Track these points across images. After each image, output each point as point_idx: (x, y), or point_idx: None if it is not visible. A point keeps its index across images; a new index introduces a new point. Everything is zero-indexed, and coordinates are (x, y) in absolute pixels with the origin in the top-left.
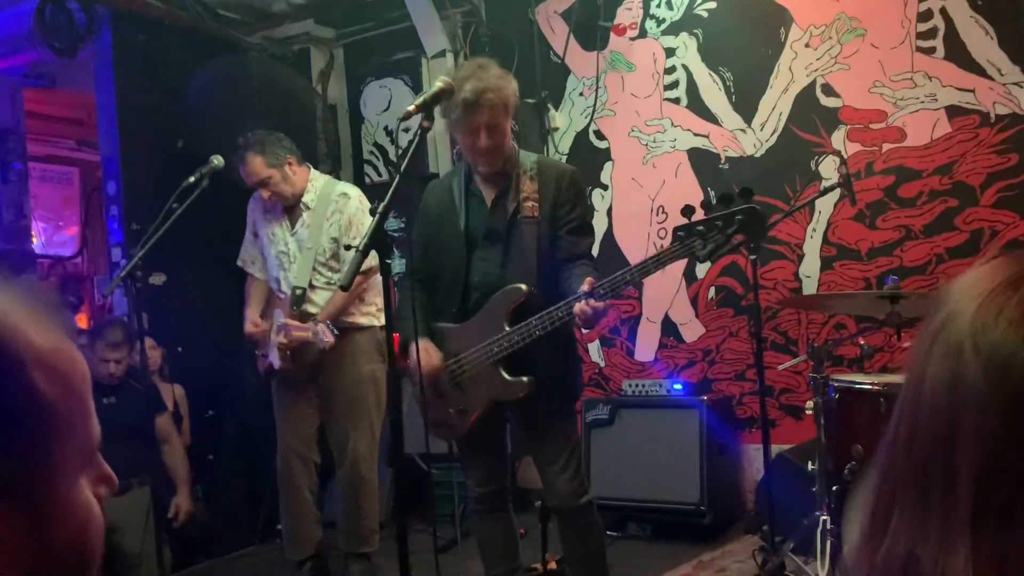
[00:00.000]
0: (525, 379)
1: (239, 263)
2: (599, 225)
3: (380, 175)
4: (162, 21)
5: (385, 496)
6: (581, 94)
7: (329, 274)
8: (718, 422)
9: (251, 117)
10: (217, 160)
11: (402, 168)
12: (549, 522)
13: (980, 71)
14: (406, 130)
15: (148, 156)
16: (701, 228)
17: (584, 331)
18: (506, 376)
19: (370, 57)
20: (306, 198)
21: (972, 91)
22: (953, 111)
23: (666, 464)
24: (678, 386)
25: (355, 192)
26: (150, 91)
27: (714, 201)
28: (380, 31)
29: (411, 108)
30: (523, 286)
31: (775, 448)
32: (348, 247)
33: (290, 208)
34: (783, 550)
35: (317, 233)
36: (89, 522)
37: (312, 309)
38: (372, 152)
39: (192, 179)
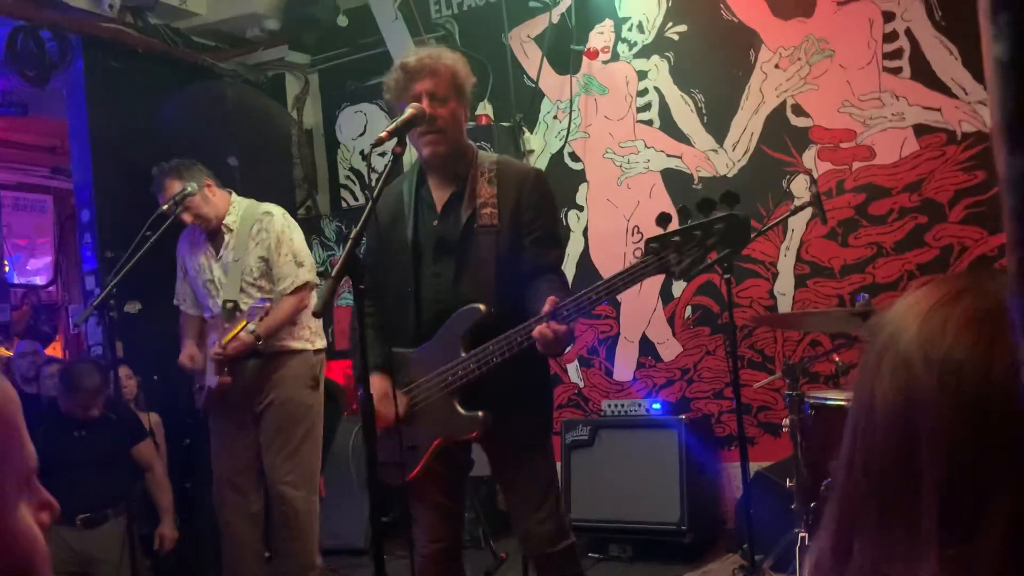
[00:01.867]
0: (480, 415)
1: (175, 302)
2: (575, 246)
3: (357, 199)
4: (134, 48)
5: (363, 521)
6: (555, 117)
7: (258, 295)
8: (697, 441)
9: (225, 142)
10: (191, 187)
11: (376, 193)
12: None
13: (946, 90)
14: (382, 154)
15: (122, 183)
16: (677, 239)
17: (549, 357)
18: (460, 410)
19: (345, 82)
20: (228, 220)
21: (939, 110)
22: (921, 129)
23: (646, 484)
24: (657, 406)
25: (279, 210)
26: (123, 118)
27: (693, 208)
28: (354, 56)
29: (383, 135)
30: (480, 306)
31: (754, 466)
32: (322, 276)
33: (213, 235)
34: (763, 567)
35: (243, 253)
36: (33, 549)
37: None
38: (348, 176)
39: (165, 207)
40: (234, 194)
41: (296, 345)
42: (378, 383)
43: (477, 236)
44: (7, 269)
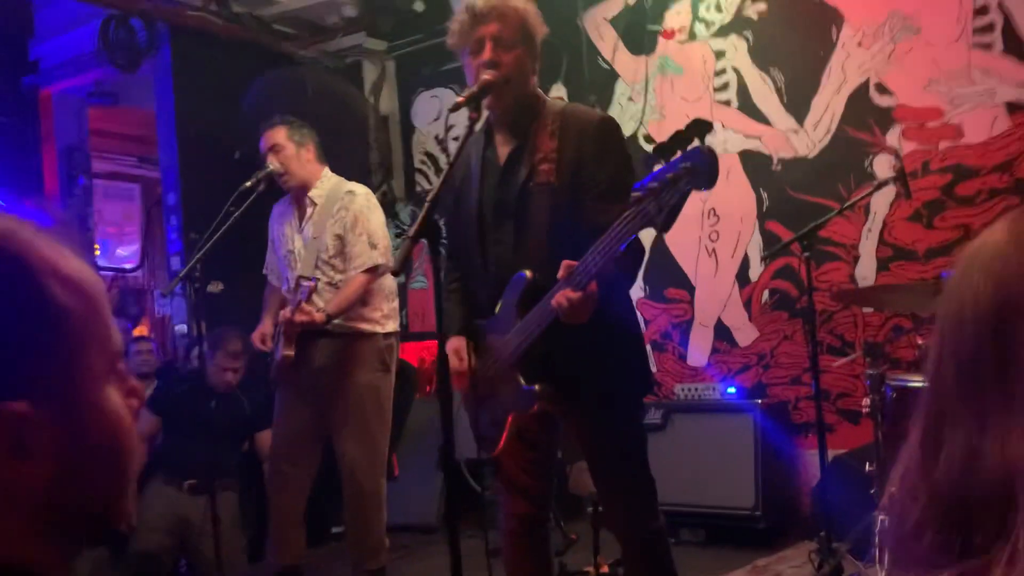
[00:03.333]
0: (536, 388)
1: (264, 271)
2: (648, 231)
3: (431, 184)
4: (219, 36)
5: (436, 501)
6: (630, 99)
7: (332, 273)
8: (773, 427)
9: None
10: (274, 165)
11: (454, 157)
12: (602, 528)
13: None
14: (456, 138)
15: (207, 167)
16: (654, 185)
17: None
18: (521, 383)
19: (421, 68)
20: (313, 192)
21: None
22: (1012, 107)
23: (720, 469)
24: (732, 390)
25: (362, 190)
26: (208, 104)
27: (667, 146)
28: (430, 42)
29: (459, 100)
30: (527, 273)
31: (832, 453)
32: (399, 235)
33: (300, 207)
34: (840, 552)
35: (321, 229)
36: (119, 426)
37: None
38: (423, 161)
39: (249, 183)
40: (327, 169)
41: (367, 327)
42: (452, 344)
43: (532, 195)
44: (97, 254)
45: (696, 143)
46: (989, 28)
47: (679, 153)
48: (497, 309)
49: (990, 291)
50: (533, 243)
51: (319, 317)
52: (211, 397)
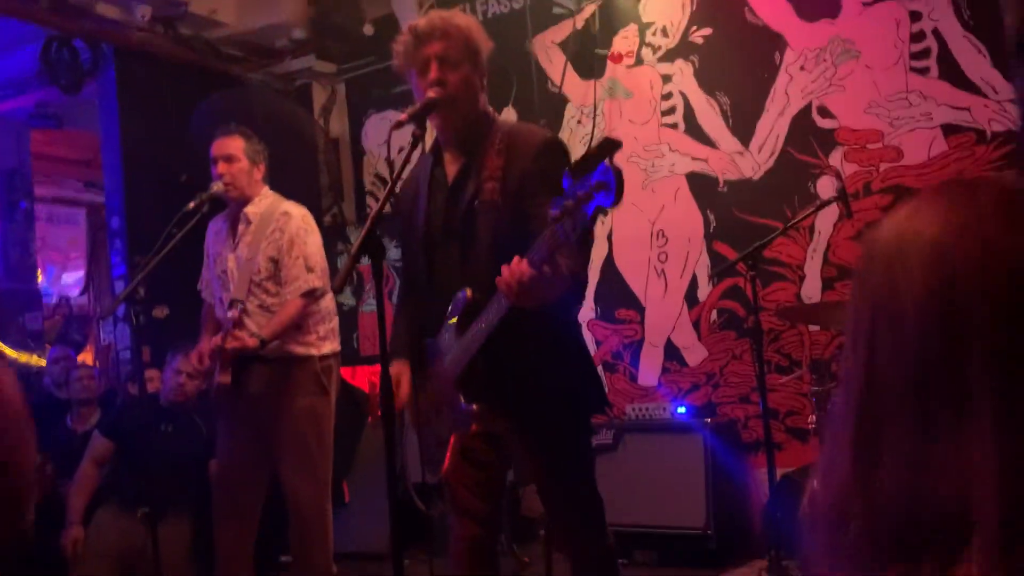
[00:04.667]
0: (474, 408)
1: (198, 287)
2: (599, 250)
3: None
4: (166, 58)
5: (387, 526)
6: (579, 122)
7: (264, 296)
8: (723, 446)
9: None
10: (217, 186)
11: (398, 171)
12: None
13: (975, 89)
14: (401, 149)
15: (152, 191)
16: (569, 204)
17: (524, 305)
18: (460, 402)
19: (371, 90)
20: (250, 209)
21: (968, 109)
22: (949, 129)
23: (671, 489)
24: (682, 409)
25: (299, 211)
26: (154, 127)
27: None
28: (380, 65)
29: (402, 118)
30: (467, 290)
31: (782, 471)
32: (347, 253)
33: (235, 223)
34: (790, 570)
35: (255, 251)
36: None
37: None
38: (374, 183)
39: (192, 204)
40: (267, 188)
41: (301, 351)
42: (394, 369)
43: (478, 214)
44: (40, 280)
45: (605, 162)
46: (925, 53)
47: (589, 172)
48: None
49: (936, 287)
50: (477, 262)
51: (251, 343)
52: (165, 420)
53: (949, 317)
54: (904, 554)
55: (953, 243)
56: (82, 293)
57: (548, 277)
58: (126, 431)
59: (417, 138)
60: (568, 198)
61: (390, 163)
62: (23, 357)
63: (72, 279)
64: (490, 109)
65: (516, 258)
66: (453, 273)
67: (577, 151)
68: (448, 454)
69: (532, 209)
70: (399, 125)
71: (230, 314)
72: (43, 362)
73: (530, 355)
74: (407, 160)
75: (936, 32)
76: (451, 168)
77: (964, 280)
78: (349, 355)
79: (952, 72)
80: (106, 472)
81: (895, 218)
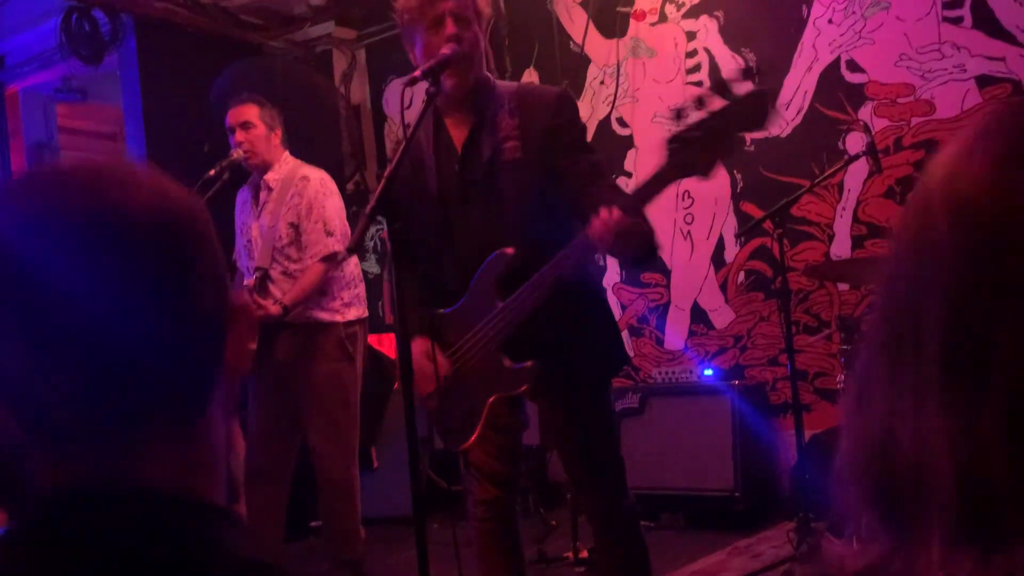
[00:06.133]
0: (528, 364)
1: (233, 257)
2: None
3: None
4: (185, 27)
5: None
6: (602, 82)
7: (286, 263)
8: (751, 408)
9: None
10: (237, 153)
11: (412, 130)
12: (580, 515)
13: (1010, 39)
14: (408, 107)
15: (176, 160)
16: (697, 134)
17: (610, 257)
18: (507, 363)
19: (391, 56)
20: (270, 176)
21: (1003, 59)
22: (984, 81)
23: (698, 452)
24: (708, 372)
25: (317, 175)
26: (175, 96)
27: (707, 95)
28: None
29: (416, 74)
30: (507, 250)
31: (811, 433)
32: (356, 213)
33: (256, 193)
34: (818, 531)
35: (276, 217)
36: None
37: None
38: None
39: (212, 172)
40: (287, 153)
41: (325, 317)
42: (417, 348)
43: (500, 174)
44: None
45: (751, 89)
46: (959, 2)
47: (726, 97)
48: (465, 295)
49: (912, 245)
50: (503, 221)
51: (275, 310)
52: None
53: (914, 275)
54: (881, 516)
55: (938, 197)
56: None
57: (642, 227)
58: None
59: (432, 95)
60: (700, 130)
61: (404, 119)
62: None
63: None
64: (489, 73)
65: (603, 208)
66: (475, 235)
67: (600, 112)
68: (482, 420)
69: (565, 166)
70: (413, 81)
71: (246, 282)
72: None
73: (562, 316)
74: (422, 117)
75: None
76: (457, 131)
77: (934, 237)
78: (375, 322)
79: (987, 21)
80: None
81: (961, 146)
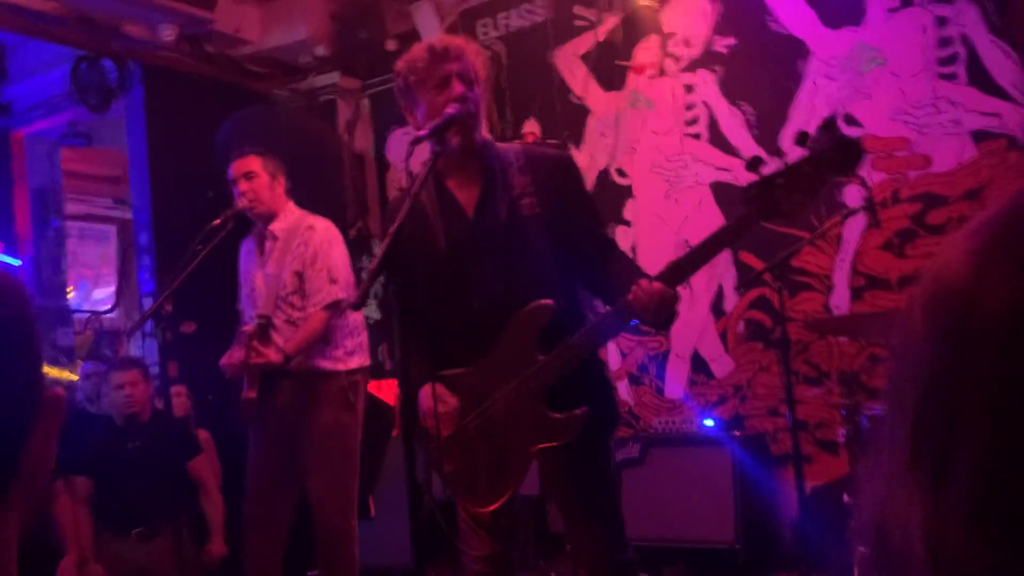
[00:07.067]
0: (578, 412)
1: (239, 307)
2: None
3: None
4: (192, 75)
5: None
6: (602, 134)
7: (290, 311)
8: (751, 459)
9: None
10: (242, 202)
11: (419, 187)
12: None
13: (1004, 95)
14: (427, 178)
15: (180, 207)
16: (781, 181)
17: (649, 330)
18: (552, 414)
19: (394, 106)
20: (275, 225)
21: (998, 115)
22: (979, 136)
23: (698, 502)
24: (709, 422)
25: (323, 224)
26: (181, 143)
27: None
28: None
29: (423, 133)
30: (547, 302)
31: (812, 485)
32: (360, 270)
33: (262, 243)
34: None
35: (280, 266)
36: None
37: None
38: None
39: (217, 221)
40: (292, 203)
41: (328, 365)
42: (427, 391)
43: (522, 228)
44: (71, 295)
45: (835, 138)
46: (953, 59)
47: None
48: (496, 348)
49: (901, 331)
50: (527, 275)
51: (276, 358)
52: (127, 438)
53: (898, 363)
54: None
55: (923, 286)
56: (112, 309)
57: (676, 297)
58: (94, 463)
59: (437, 154)
60: (786, 175)
61: (410, 174)
62: (55, 372)
63: (103, 294)
64: (488, 134)
65: (643, 280)
66: (494, 291)
67: (600, 163)
68: (525, 469)
69: (575, 217)
70: (418, 140)
71: (244, 328)
72: (75, 377)
73: (578, 372)
74: (427, 175)
75: (964, 37)
76: (461, 190)
77: (913, 323)
78: (375, 368)
79: (981, 78)
80: (96, 505)
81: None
